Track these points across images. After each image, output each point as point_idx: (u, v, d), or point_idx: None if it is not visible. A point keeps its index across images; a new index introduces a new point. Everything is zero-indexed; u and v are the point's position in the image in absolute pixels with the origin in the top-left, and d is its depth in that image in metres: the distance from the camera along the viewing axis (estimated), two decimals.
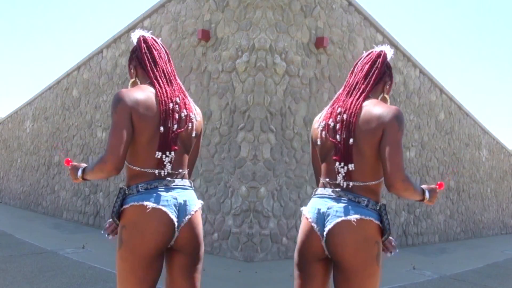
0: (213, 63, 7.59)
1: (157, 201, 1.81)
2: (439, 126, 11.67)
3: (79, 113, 11.49)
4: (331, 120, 1.90)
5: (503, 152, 16.94)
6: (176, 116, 1.89)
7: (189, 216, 1.87)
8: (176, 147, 1.89)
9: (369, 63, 1.98)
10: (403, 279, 6.24)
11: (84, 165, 1.97)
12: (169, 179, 1.89)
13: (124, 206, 1.84)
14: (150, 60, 2.00)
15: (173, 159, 1.89)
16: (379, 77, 1.96)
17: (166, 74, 1.99)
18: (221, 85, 7.41)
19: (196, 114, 2.01)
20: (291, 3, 7.38)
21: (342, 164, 1.81)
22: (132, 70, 2.06)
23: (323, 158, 1.92)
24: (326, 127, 1.91)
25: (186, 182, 1.99)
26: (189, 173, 2.09)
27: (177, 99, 1.93)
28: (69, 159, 2.05)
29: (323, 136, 1.90)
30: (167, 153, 1.86)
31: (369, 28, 9.15)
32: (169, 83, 1.96)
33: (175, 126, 1.88)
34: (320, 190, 1.91)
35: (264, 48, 6.97)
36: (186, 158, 2.00)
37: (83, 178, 1.95)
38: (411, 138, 10.36)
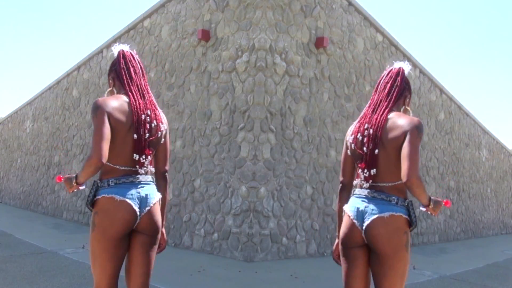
0: (213, 63, 7.59)
1: (124, 194, 2.20)
2: (439, 126, 11.67)
3: (79, 113, 11.49)
4: (359, 134, 2.32)
5: (503, 152, 16.95)
6: (148, 126, 2.27)
7: (149, 208, 2.26)
8: (150, 152, 2.29)
9: (390, 82, 2.37)
10: None
11: (74, 174, 2.26)
12: (135, 175, 2.26)
13: (97, 197, 2.24)
14: (127, 74, 2.35)
15: (147, 160, 2.30)
16: (400, 93, 2.35)
17: (140, 89, 2.34)
18: (221, 85, 7.41)
19: (164, 123, 2.39)
20: (291, 3, 7.38)
21: (366, 170, 2.24)
22: (110, 81, 2.42)
23: (356, 165, 2.33)
24: (354, 140, 2.33)
25: (149, 178, 2.32)
26: (162, 168, 2.43)
27: (149, 111, 2.30)
28: (59, 175, 2.29)
29: (353, 147, 2.32)
30: (141, 156, 2.26)
31: (369, 28, 9.15)
32: (142, 96, 2.33)
33: (147, 134, 2.27)
34: (357, 191, 2.31)
35: (264, 48, 6.97)
36: (152, 158, 2.36)
37: (76, 183, 2.22)
38: None
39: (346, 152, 2.40)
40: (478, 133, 14.47)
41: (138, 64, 2.43)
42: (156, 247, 2.33)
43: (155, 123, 2.31)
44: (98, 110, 2.15)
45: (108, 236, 2.19)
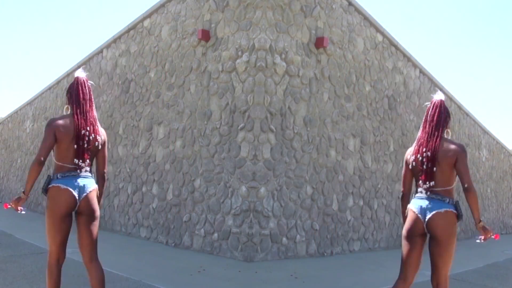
0: (213, 63, 7.59)
1: (67, 184, 3.04)
2: None
3: None
4: (419, 155, 3.16)
5: (503, 152, 16.95)
6: (86, 138, 3.13)
7: (86, 194, 3.09)
8: (87, 156, 3.15)
9: (437, 113, 3.27)
10: None
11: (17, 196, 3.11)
12: (77, 171, 3.11)
13: (49, 186, 3.07)
14: (75, 99, 3.23)
15: (86, 163, 3.15)
16: (444, 121, 3.25)
17: (84, 111, 3.20)
18: (221, 85, 7.40)
19: (101, 135, 3.27)
20: (291, 3, 7.38)
21: (426, 181, 3.11)
22: (67, 99, 3.31)
23: (416, 177, 3.21)
24: (416, 159, 3.17)
25: (87, 173, 3.16)
26: (101, 170, 3.30)
27: (88, 128, 3.15)
28: (5, 203, 3.19)
29: (414, 165, 3.19)
30: (81, 161, 3.12)
31: (369, 28, 9.15)
32: (84, 116, 3.18)
33: (86, 144, 3.13)
34: (418, 194, 3.17)
35: (264, 48, 6.97)
36: (91, 161, 3.22)
37: (24, 193, 3.05)
38: (411, 138, 10.36)
39: (407, 168, 3.26)
40: (478, 133, 14.47)
41: (87, 90, 3.27)
42: (96, 222, 3.17)
43: (93, 136, 3.17)
44: (47, 127, 3.09)
45: (55, 215, 3.02)
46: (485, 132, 15.12)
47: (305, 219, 7.45)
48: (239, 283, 5.35)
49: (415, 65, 10.65)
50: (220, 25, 7.56)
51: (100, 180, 3.28)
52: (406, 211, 3.22)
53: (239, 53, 7.17)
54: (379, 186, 9.22)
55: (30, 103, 15.24)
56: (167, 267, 6.12)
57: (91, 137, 3.15)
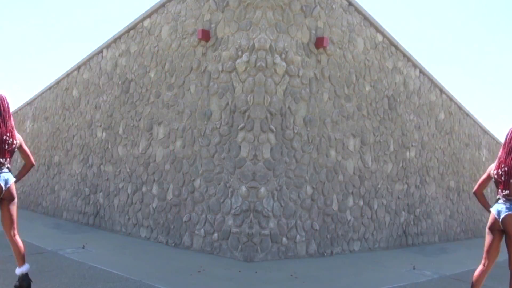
0: (213, 63, 7.59)
1: None
2: (439, 126, 11.68)
3: (79, 113, 11.49)
4: (499, 170, 4.08)
5: None
6: (7, 142, 4.18)
7: (9, 185, 4.18)
8: (8, 156, 4.23)
9: None
10: (403, 279, 6.24)
11: None
12: (1, 168, 4.17)
13: None
14: None
15: (7, 161, 4.23)
16: None
17: (3, 120, 4.19)
18: (221, 85, 7.40)
19: (17, 139, 4.31)
20: (291, 3, 7.38)
21: (504, 190, 4.05)
22: None
23: (496, 185, 4.14)
24: (497, 173, 4.10)
25: (7, 170, 4.21)
26: (28, 164, 4.55)
27: (8, 134, 4.19)
28: None
29: (495, 177, 4.12)
30: (3, 159, 4.19)
31: (369, 28, 9.15)
32: (4, 125, 4.18)
33: (6, 146, 4.18)
34: (499, 200, 4.09)
35: (264, 48, 6.97)
36: (11, 159, 4.29)
37: None
38: (411, 138, 10.36)
39: (488, 177, 4.26)
40: (478, 133, 14.47)
41: (6, 104, 4.27)
42: (15, 206, 4.27)
43: (11, 140, 4.21)
44: None
45: None
46: (485, 132, 15.12)
47: (305, 219, 7.45)
48: (239, 283, 5.35)
49: (415, 65, 10.65)
50: (220, 25, 7.56)
51: (24, 170, 4.52)
52: (485, 202, 4.34)
53: (239, 53, 7.17)
54: (379, 186, 9.22)
55: (30, 103, 15.24)
56: (167, 267, 6.12)
57: (9, 141, 4.18)
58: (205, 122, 7.58)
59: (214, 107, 7.49)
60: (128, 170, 9.26)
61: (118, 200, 9.41)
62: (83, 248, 7.16)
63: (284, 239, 7.07)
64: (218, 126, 7.36)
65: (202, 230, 7.34)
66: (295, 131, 7.40)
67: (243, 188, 6.81)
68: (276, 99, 7.12)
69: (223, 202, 7.09)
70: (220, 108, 7.39)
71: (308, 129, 7.61)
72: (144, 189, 8.73)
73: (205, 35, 7.66)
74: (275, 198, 7.00)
